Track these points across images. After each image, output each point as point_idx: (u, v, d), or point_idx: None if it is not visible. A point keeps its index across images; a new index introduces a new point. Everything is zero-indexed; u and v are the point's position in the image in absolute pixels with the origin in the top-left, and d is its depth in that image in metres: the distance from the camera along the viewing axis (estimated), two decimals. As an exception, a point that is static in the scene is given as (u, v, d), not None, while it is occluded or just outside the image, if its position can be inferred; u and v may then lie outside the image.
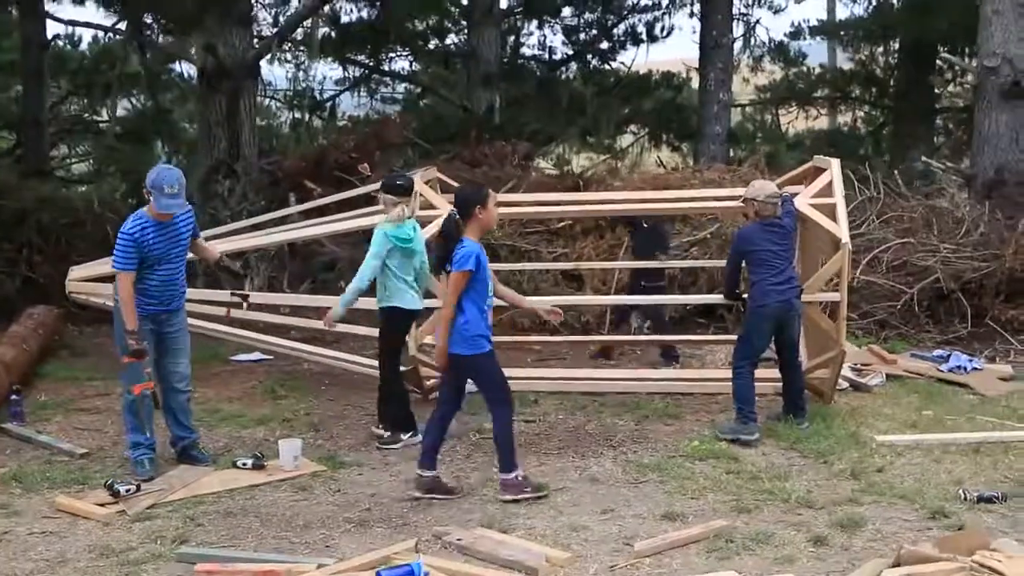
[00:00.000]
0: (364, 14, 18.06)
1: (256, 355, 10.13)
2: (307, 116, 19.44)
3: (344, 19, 17.18)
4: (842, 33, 19.24)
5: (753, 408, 7.17)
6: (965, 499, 5.87)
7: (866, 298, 11.39)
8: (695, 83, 18.22)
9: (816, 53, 21.81)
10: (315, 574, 4.86)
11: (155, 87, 19.84)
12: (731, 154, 17.64)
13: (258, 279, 12.18)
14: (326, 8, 15.37)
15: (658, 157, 20.65)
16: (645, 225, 9.97)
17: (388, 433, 7.18)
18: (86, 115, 22.97)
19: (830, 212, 7.83)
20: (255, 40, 14.48)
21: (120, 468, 6.62)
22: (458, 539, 5.28)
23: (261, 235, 8.91)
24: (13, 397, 7.72)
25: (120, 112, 23.14)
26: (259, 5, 16.89)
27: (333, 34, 18.04)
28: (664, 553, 5.19)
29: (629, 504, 5.95)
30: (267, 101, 20.08)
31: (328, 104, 19.70)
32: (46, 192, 12.93)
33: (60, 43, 21.93)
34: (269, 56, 18.49)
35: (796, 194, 7.91)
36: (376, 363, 7.47)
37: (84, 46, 22.10)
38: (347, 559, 5.08)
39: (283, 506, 5.94)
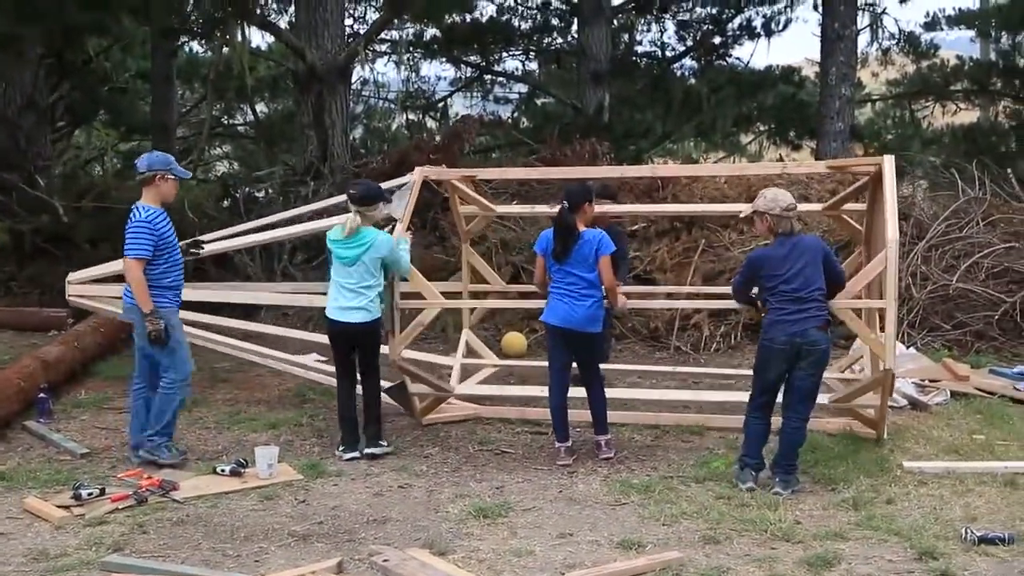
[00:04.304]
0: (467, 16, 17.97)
1: (313, 356, 10.13)
2: (420, 117, 19.49)
3: (448, 20, 17.04)
4: (978, 23, 17.83)
5: (752, 453, 6.25)
6: (965, 539, 5.22)
7: (962, 307, 10.53)
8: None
9: (958, 44, 20.47)
10: (218, 591, 4.72)
11: (276, 91, 20.36)
12: (859, 152, 16.76)
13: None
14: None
15: (779, 155, 19.85)
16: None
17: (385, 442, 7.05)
18: (224, 119, 23.87)
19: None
20: (347, 44, 14.50)
21: (110, 469, 6.68)
22: (384, 560, 5.04)
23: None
24: (40, 396, 7.90)
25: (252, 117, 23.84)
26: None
27: (438, 35, 18.02)
28: (595, 585, 4.81)
29: (594, 528, 5.57)
30: (381, 103, 20.26)
31: (440, 104, 19.70)
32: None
33: (198, 49, 22.82)
34: (381, 59, 18.76)
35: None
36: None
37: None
38: (266, 575, 4.93)
39: (238, 515, 5.83)
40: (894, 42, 18.54)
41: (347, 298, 6.86)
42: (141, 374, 6.96)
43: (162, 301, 6.70)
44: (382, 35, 18.11)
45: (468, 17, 17.82)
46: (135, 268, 6.58)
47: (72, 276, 8.00)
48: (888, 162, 7.27)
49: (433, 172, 8.28)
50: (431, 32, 18.35)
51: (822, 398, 6.82)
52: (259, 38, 17.70)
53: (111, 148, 22.06)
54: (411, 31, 18.41)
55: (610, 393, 7.12)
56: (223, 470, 6.46)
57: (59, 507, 5.83)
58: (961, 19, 18.77)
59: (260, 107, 22.75)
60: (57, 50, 16.11)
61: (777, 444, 6.27)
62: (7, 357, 10.17)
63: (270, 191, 13.39)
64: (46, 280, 12.91)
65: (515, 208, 9.93)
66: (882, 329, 6.81)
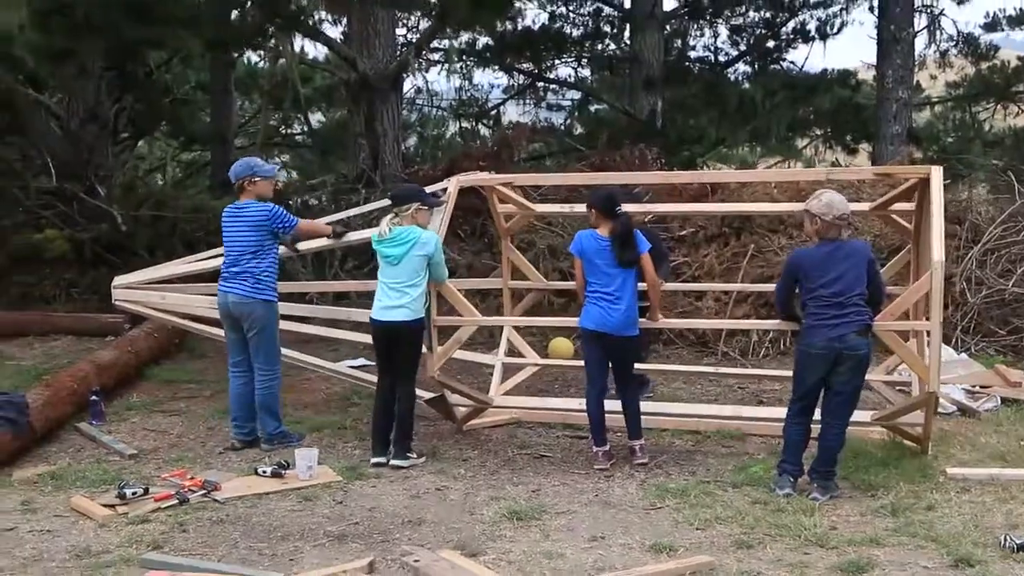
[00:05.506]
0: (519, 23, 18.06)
1: (361, 360, 10.24)
2: (473, 124, 19.61)
3: (499, 28, 17.14)
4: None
5: (791, 459, 6.18)
6: (1004, 546, 5.13)
7: (1017, 312, 10.32)
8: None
9: (1021, 45, 20.10)
10: (249, 588, 4.80)
11: (331, 101, 20.61)
12: (919, 155, 16.49)
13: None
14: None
15: (836, 159, 19.64)
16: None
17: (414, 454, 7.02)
18: (282, 128, 24.19)
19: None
20: (399, 53, 14.65)
21: (156, 470, 6.81)
22: (415, 560, 5.08)
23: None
24: (92, 398, 8.09)
25: (314, 125, 24.18)
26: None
27: (490, 43, 18.12)
28: (622, 589, 4.81)
29: (627, 532, 5.57)
30: (434, 111, 20.40)
31: (493, 112, 19.79)
32: (198, 202, 13.54)
33: (256, 60, 23.18)
34: (434, 67, 18.90)
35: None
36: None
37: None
38: (298, 574, 5.00)
39: (276, 516, 5.92)
40: (952, 44, 18.24)
41: (391, 297, 6.82)
42: (241, 362, 7.37)
43: (271, 293, 7.25)
44: (434, 44, 18.23)
45: (520, 25, 17.93)
46: (309, 226, 7.70)
47: (117, 280, 8.17)
48: (936, 174, 6.86)
49: (470, 179, 8.29)
50: (483, 40, 18.44)
51: (864, 415, 6.72)
52: (314, 49, 17.86)
53: (172, 158, 22.54)
54: (463, 40, 18.53)
55: (650, 407, 7.13)
56: (264, 471, 6.57)
57: (104, 506, 5.97)
58: (1022, 19, 18.42)
59: (317, 116, 23.07)
60: (119, 63, 16.49)
61: (816, 450, 6.20)
62: (65, 361, 10.43)
63: (323, 199, 13.55)
64: (104, 287, 13.21)
65: (553, 207, 9.93)
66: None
